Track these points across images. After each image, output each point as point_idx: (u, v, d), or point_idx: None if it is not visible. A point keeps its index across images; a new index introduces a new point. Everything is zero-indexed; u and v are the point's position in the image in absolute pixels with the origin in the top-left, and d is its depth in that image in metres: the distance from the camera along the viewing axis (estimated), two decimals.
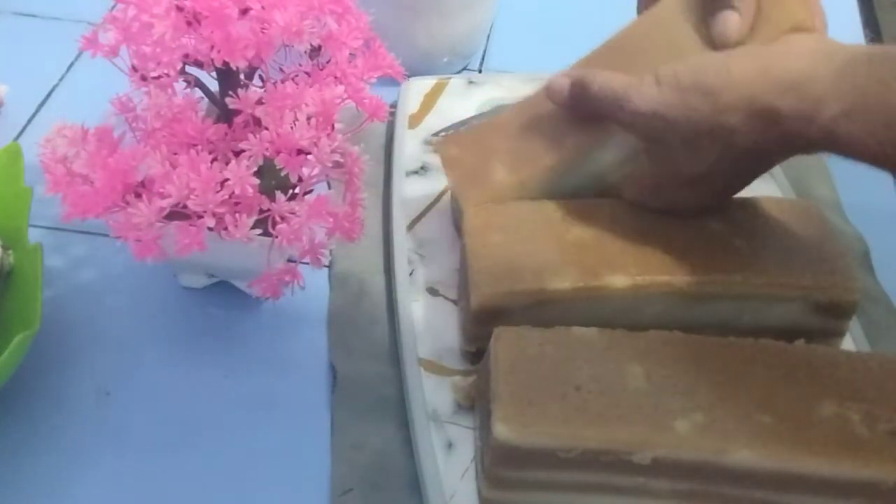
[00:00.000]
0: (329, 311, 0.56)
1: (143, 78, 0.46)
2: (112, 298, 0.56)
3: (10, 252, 0.52)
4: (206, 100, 0.51)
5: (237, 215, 0.45)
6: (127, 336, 0.54)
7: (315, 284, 0.57)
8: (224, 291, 0.56)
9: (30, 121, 0.67)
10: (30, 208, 0.52)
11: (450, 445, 0.47)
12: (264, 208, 0.46)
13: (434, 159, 0.63)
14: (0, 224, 0.53)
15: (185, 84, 0.48)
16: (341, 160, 0.48)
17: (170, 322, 0.55)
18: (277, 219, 0.46)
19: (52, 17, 0.76)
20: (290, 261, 0.51)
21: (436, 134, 0.65)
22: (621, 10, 0.81)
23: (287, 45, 0.45)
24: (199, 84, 0.49)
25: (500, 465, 0.44)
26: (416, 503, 0.46)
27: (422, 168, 0.63)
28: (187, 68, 0.47)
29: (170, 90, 0.47)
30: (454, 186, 0.56)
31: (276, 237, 0.46)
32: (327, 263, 0.58)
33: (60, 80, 0.71)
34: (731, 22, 0.49)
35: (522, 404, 0.43)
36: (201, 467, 0.49)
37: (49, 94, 0.69)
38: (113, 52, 0.46)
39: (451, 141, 0.58)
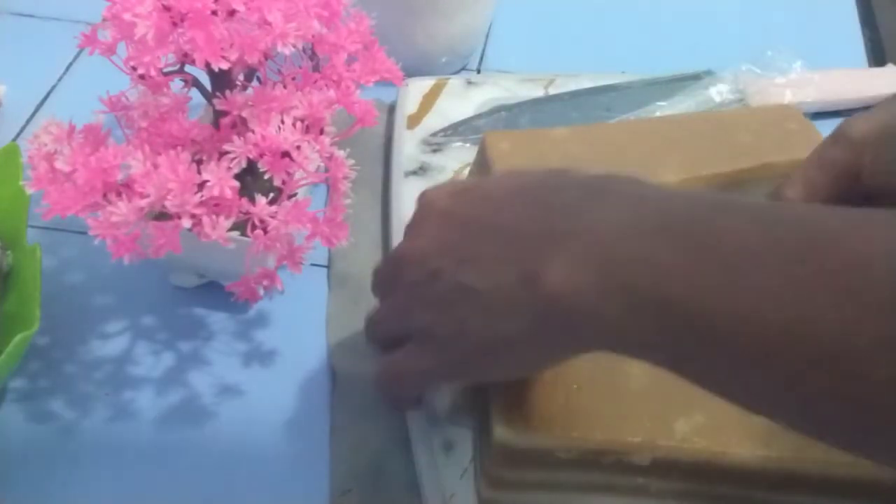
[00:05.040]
0: (328, 311, 0.56)
1: (142, 77, 0.45)
2: (112, 299, 0.56)
3: (9, 252, 0.52)
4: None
5: (215, 217, 0.44)
6: (125, 336, 0.54)
7: (314, 284, 0.57)
8: (222, 291, 0.56)
9: (28, 121, 0.67)
10: (28, 209, 0.51)
11: (449, 445, 0.47)
12: (244, 211, 0.45)
13: (433, 160, 0.63)
14: None
15: (182, 83, 0.48)
16: (325, 164, 0.48)
17: (169, 322, 0.55)
18: (256, 223, 0.45)
19: (50, 17, 0.76)
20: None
21: (434, 134, 0.65)
22: (620, 9, 0.82)
23: (277, 47, 0.45)
24: (197, 84, 0.49)
25: (499, 465, 0.44)
26: (415, 503, 0.46)
27: (420, 168, 0.63)
28: (186, 68, 0.47)
29: (165, 89, 0.47)
30: None
31: (254, 241, 0.45)
32: (326, 264, 0.58)
33: (59, 80, 0.70)
34: None
35: (522, 404, 0.43)
36: (200, 467, 0.48)
37: (48, 95, 0.69)
38: (111, 49, 0.46)
39: (502, 137, 0.57)
